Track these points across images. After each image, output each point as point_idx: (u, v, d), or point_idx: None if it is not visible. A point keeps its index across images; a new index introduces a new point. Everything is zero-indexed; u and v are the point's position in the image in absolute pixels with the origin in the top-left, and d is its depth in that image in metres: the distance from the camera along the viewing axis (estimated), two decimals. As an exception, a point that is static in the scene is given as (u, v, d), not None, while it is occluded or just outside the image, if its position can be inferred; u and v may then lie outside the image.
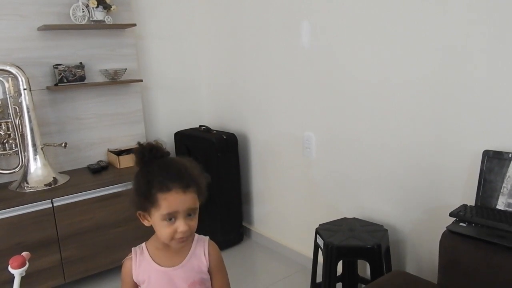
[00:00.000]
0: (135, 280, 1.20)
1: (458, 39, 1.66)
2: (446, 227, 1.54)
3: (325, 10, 2.18)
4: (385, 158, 2.04)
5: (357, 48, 2.07)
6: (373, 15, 1.96)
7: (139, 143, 1.15)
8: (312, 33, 2.29)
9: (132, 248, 1.23)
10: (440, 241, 1.55)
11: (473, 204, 1.61)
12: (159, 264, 1.18)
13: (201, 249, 1.21)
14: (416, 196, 1.93)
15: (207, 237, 1.25)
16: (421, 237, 1.94)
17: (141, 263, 1.19)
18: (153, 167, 1.11)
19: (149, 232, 1.18)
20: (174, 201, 1.07)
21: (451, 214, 1.57)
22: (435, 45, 1.74)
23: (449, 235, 1.52)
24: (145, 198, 1.09)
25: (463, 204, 1.63)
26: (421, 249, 1.95)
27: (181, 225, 1.08)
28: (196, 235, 1.24)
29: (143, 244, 1.23)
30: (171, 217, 1.08)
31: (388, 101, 1.98)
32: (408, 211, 1.97)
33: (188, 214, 1.09)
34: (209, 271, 1.21)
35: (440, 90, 1.75)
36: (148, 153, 1.12)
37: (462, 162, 1.72)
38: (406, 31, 1.84)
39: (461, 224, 1.53)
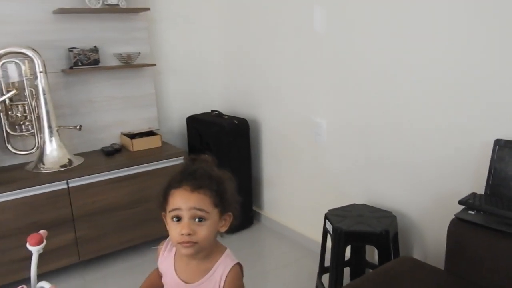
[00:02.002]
0: (160, 271, 1.20)
1: (472, 27, 1.65)
2: (455, 215, 1.55)
3: (339, -5, 2.17)
4: (395, 145, 2.04)
5: (370, 34, 2.06)
6: (386, 0, 1.95)
7: (192, 157, 1.15)
8: (325, 18, 2.28)
9: (166, 240, 1.20)
10: (448, 228, 1.57)
11: (483, 193, 1.62)
12: (176, 273, 1.14)
13: (219, 277, 1.11)
14: (426, 183, 1.94)
15: (234, 263, 1.13)
16: (429, 224, 1.96)
17: (166, 259, 1.17)
18: (188, 162, 1.12)
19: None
20: (180, 197, 1.04)
21: (460, 202, 1.58)
22: (450, 33, 1.73)
23: (458, 222, 1.54)
24: (162, 196, 1.08)
25: (473, 193, 1.64)
26: (429, 235, 1.97)
27: (183, 227, 1.02)
28: (227, 255, 1.15)
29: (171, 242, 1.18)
30: (176, 214, 1.04)
31: (399, 88, 1.97)
32: (417, 198, 1.99)
33: (196, 218, 1.03)
34: None
35: (453, 79, 1.75)
36: (190, 163, 1.12)
37: (472, 151, 1.73)
38: (420, 18, 1.83)
39: (469, 212, 1.54)
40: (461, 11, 1.68)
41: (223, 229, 1.12)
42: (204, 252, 1.10)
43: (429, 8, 1.79)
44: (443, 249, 1.62)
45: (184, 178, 1.05)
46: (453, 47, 1.73)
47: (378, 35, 2.02)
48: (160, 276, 1.20)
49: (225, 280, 1.10)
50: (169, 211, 1.05)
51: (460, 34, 1.70)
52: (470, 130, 1.73)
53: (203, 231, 1.04)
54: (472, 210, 1.54)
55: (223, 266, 1.11)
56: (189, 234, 1.03)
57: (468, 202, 1.56)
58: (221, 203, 1.06)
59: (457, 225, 1.54)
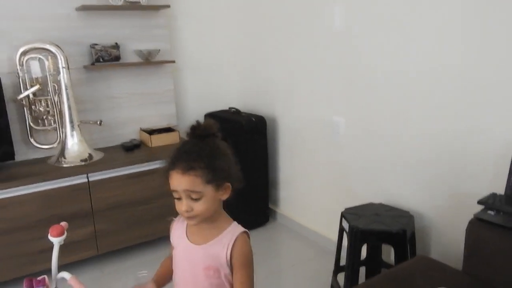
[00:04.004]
0: (172, 241, 1.28)
1: (489, 24, 1.63)
2: (474, 215, 1.54)
3: (358, -7, 2.16)
4: (413, 144, 2.03)
5: (388, 32, 2.05)
6: (408, -1, 1.93)
7: (196, 121, 1.20)
8: (344, 15, 2.27)
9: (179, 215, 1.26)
10: (467, 228, 1.55)
11: (503, 193, 1.59)
12: (188, 238, 1.23)
13: (227, 241, 1.17)
14: (444, 183, 1.92)
15: (241, 231, 1.20)
16: (447, 224, 1.94)
17: (178, 230, 1.26)
18: (183, 141, 1.19)
19: (175, 211, 1.18)
20: (174, 179, 1.12)
21: (479, 202, 1.56)
22: (466, 31, 1.71)
23: (476, 222, 1.52)
24: (164, 176, 1.15)
25: (492, 193, 1.61)
26: (447, 235, 1.94)
27: (181, 205, 1.13)
28: (235, 225, 1.22)
29: None
30: (175, 195, 1.13)
31: (418, 87, 1.96)
32: (435, 197, 1.97)
33: (191, 197, 1.11)
34: (232, 265, 1.17)
35: (472, 77, 1.73)
36: (190, 131, 1.18)
37: (492, 150, 1.70)
38: (438, 17, 1.81)
39: (489, 212, 1.52)
40: (479, 12, 1.65)
41: (224, 197, 1.19)
42: (210, 219, 1.18)
43: (447, 9, 1.77)
44: (461, 250, 1.60)
45: (177, 159, 1.12)
46: (471, 47, 1.71)
47: (397, 33, 2.00)
48: (171, 259, 1.28)
49: (233, 244, 1.17)
50: (171, 190, 1.14)
51: (479, 33, 1.67)
52: (490, 130, 1.70)
53: (200, 207, 1.13)
54: (492, 210, 1.52)
55: (231, 233, 1.19)
56: (188, 211, 1.12)
57: (487, 202, 1.54)
58: (214, 178, 1.12)
59: (476, 225, 1.52)
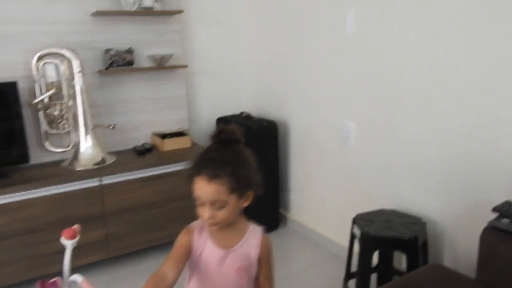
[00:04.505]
0: (192, 250, 1.22)
1: (508, 30, 1.61)
2: (488, 222, 1.51)
3: (371, -1, 2.16)
4: (426, 150, 2.01)
5: (402, 38, 2.04)
6: (420, 3, 1.92)
7: (222, 126, 1.21)
8: (356, 21, 2.27)
9: (195, 222, 1.26)
10: (481, 236, 1.53)
11: (518, 201, 1.57)
12: (214, 243, 1.22)
13: (255, 240, 1.25)
14: (457, 190, 1.89)
15: (262, 228, 1.29)
16: (460, 232, 1.91)
17: (200, 237, 1.24)
18: (208, 146, 1.18)
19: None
20: (199, 187, 1.12)
21: (494, 209, 1.54)
22: (484, 34, 1.69)
23: (491, 230, 1.50)
24: (189, 181, 1.15)
25: (507, 200, 1.59)
26: (460, 243, 1.92)
27: (204, 212, 1.13)
28: (253, 224, 1.29)
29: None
30: (199, 201, 1.13)
31: (431, 93, 1.94)
32: (448, 204, 1.94)
33: (215, 205, 1.12)
34: (259, 261, 1.25)
35: (488, 82, 1.71)
36: (216, 135, 1.18)
37: (508, 158, 1.68)
38: (452, 21, 1.80)
39: (504, 220, 1.49)
40: (504, 12, 1.64)
41: (245, 204, 1.20)
42: (231, 223, 1.20)
43: (462, 12, 1.75)
44: (474, 258, 1.58)
45: (202, 165, 1.12)
46: (486, 51, 1.69)
47: (410, 38, 1.99)
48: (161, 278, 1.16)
49: (261, 244, 1.24)
50: (195, 197, 1.14)
51: (499, 35, 1.65)
52: (504, 137, 1.68)
53: (223, 214, 1.14)
54: (507, 218, 1.49)
55: (255, 232, 1.26)
56: (210, 218, 1.13)
57: (502, 209, 1.52)
58: (238, 187, 1.12)
59: (490, 233, 1.50)
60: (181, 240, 1.23)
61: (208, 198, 1.11)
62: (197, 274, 1.25)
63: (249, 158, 1.20)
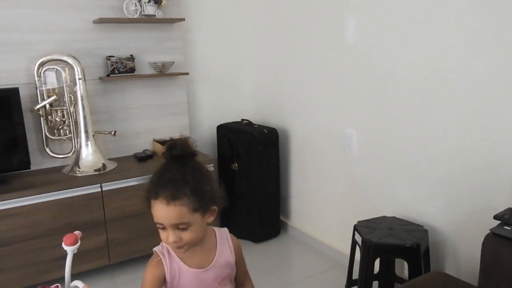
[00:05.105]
0: (166, 280, 1.16)
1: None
2: (490, 230, 1.51)
3: (370, 6, 2.17)
4: (428, 158, 2.01)
5: (402, 45, 2.05)
6: (420, 10, 1.93)
7: (171, 139, 1.16)
8: (356, 29, 2.28)
9: (156, 249, 1.19)
10: (483, 243, 1.52)
11: (520, 208, 1.57)
12: (189, 266, 1.16)
13: (226, 246, 1.22)
14: (459, 197, 1.89)
15: (226, 229, 1.26)
16: (462, 239, 1.91)
17: (171, 264, 1.16)
18: (162, 166, 1.10)
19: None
20: (159, 211, 1.04)
21: (495, 217, 1.54)
22: (488, 41, 1.70)
23: (493, 238, 1.50)
24: (145, 205, 1.10)
25: (509, 207, 1.59)
26: (462, 251, 1.91)
27: (168, 236, 1.06)
28: (216, 230, 1.24)
29: (165, 245, 1.18)
30: (160, 226, 1.07)
31: (433, 99, 1.95)
32: (450, 212, 1.94)
33: (178, 227, 1.05)
34: (235, 263, 1.24)
35: (491, 90, 1.71)
36: (168, 151, 1.10)
37: (509, 165, 1.68)
38: (454, 28, 1.81)
39: (505, 227, 1.49)
40: (508, 20, 1.65)
41: (211, 220, 1.14)
42: (200, 241, 1.15)
43: (464, 20, 1.76)
44: (476, 265, 1.57)
45: (160, 187, 1.05)
46: (490, 60, 1.70)
47: (411, 45, 2.00)
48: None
49: (234, 247, 1.23)
50: (155, 221, 1.07)
51: (499, 48, 1.66)
52: (506, 144, 1.68)
53: (188, 235, 1.08)
54: (509, 226, 1.49)
55: (222, 237, 1.23)
56: (176, 242, 1.07)
57: (504, 217, 1.52)
58: (200, 205, 1.06)
59: (492, 241, 1.49)
60: (151, 276, 1.14)
61: (170, 222, 1.04)
62: None
63: (207, 172, 1.14)
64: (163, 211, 1.04)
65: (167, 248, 1.17)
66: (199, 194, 1.06)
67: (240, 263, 1.26)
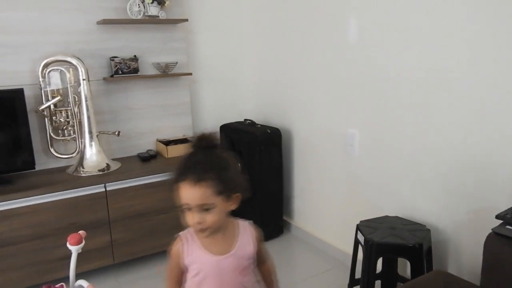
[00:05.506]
0: (186, 266, 1.24)
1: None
2: (492, 229, 1.52)
3: (371, 6, 2.17)
4: (430, 157, 2.01)
5: (402, 45, 2.05)
6: (420, 10, 1.94)
7: (202, 132, 1.23)
8: (358, 29, 2.29)
9: (181, 234, 1.27)
10: (485, 243, 1.53)
11: (522, 208, 1.57)
12: (210, 252, 1.22)
13: (249, 237, 1.28)
14: (461, 197, 1.90)
15: (251, 222, 1.32)
16: (464, 239, 1.91)
17: (193, 250, 1.23)
18: (190, 153, 1.19)
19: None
20: (185, 192, 1.12)
21: (497, 217, 1.54)
22: (488, 41, 1.70)
23: (495, 237, 1.50)
24: (173, 189, 1.16)
25: (511, 207, 1.59)
26: (464, 250, 1.92)
27: (192, 217, 1.14)
28: (240, 221, 1.31)
29: (192, 230, 1.25)
30: (186, 207, 1.14)
31: (435, 99, 1.95)
32: (452, 211, 1.95)
33: (203, 208, 1.13)
34: (255, 253, 1.29)
35: (492, 89, 1.71)
36: (196, 141, 1.20)
37: (511, 164, 1.68)
38: (455, 29, 1.81)
39: (507, 227, 1.49)
40: (502, 25, 1.65)
41: (233, 207, 1.21)
42: (222, 227, 1.22)
43: (466, 21, 1.77)
44: (479, 264, 1.58)
45: (186, 170, 1.13)
46: (490, 61, 1.70)
47: (413, 45, 2.01)
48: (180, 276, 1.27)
49: (256, 238, 1.29)
50: (181, 203, 1.15)
51: (500, 48, 1.66)
52: (508, 143, 1.68)
53: (211, 218, 1.14)
54: (511, 225, 1.49)
55: (244, 228, 1.29)
56: (200, 223, 1.14)
57: (506, 216, 1.52)
58: (225, 189, 1.14)
59: (494, 240, 1.50)
60: (172, 263, 1.26)
61: (195, 202, 1.12)
62: (201, 285, 1.23)
63: (233, 161, 1.22)
64: (189, 192, 1.11)
65: (192, 234, 1.25)
66: (224, 179, 1.13)
67: (260, 252, 1.32)
